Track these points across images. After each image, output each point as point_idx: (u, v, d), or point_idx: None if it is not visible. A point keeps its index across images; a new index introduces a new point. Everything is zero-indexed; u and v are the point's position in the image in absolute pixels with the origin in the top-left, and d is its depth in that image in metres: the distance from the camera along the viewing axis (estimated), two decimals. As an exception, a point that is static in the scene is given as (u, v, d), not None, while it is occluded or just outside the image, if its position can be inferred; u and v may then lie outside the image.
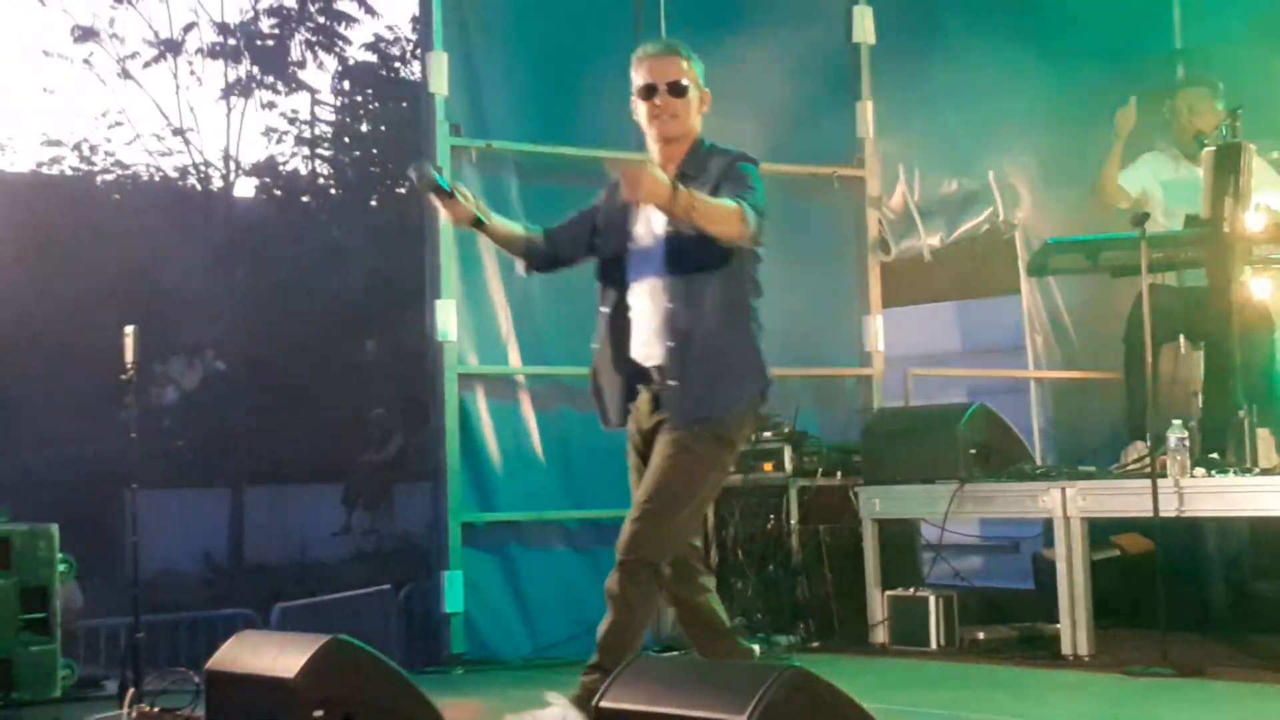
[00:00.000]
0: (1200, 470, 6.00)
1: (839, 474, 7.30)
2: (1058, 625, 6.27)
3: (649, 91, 4.72)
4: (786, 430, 7.36)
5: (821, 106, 8.12)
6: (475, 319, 7.18)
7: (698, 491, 4.66)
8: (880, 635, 6.86)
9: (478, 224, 4.76)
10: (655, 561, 4.59)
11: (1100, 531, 6.85)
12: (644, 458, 4.76)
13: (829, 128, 8.17)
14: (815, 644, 6.99)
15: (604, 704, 3.42)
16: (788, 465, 7.24)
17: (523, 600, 7.19)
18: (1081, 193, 7.71)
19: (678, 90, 4.71)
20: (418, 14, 7.61)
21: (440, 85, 7.08)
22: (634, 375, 4.79)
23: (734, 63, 7.90)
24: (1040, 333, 8.67)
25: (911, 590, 6.84)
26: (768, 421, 7.12)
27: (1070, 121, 8.32)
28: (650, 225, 4.77)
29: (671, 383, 4.64)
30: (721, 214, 4.49)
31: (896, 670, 6.46)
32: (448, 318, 7.03)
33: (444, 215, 4.72)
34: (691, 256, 4.64)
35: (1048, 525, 6.65)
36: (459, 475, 7.04)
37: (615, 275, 4.83)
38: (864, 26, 8.21)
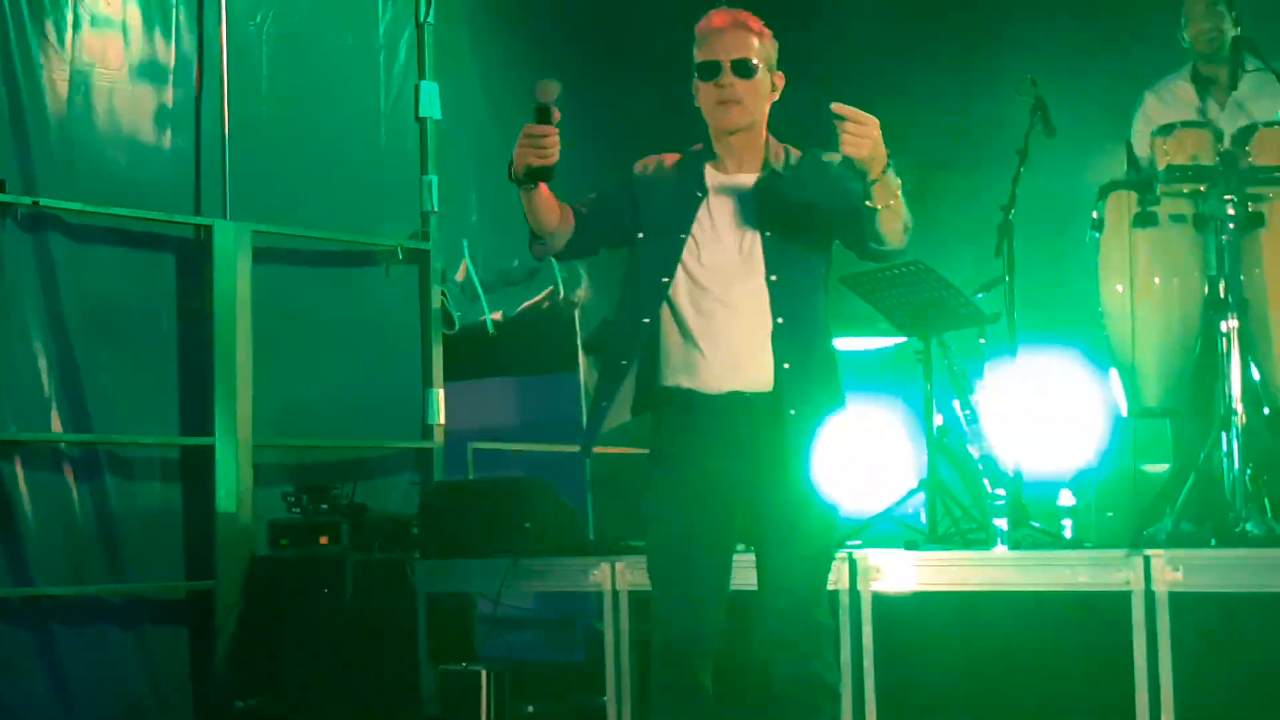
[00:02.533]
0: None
1: (397, 548, 7.26)
2: (604, 698, 6.38)
3: (711, 71, 3.88)
4: (344, 503, 7.28)
5: (388, 179, 8.19)
6: (13, 382, 6.84)
7: None
8: (432, 711, 6.84)
9: (546, 175, 3.73)
10: None
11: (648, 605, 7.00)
12: (722, 487, 4.13)
13: (394, 201, 8.21)
14: (367, 721, 6.92)
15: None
16: (344, 539, 7.16)
17: (60, 679, 6.85)
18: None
19: (744, 69, 3.86)
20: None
21: (-19, 137, 6.77)
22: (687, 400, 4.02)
23: (299, 134, 7.88)
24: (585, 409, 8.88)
25: (464, 665, 6.85)
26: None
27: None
28: (736, 217, 3.94)
29: (791, 412, 3.90)
30: (905, 213, 3.74)
31: (447, 746, 6.46)
32: (-18, 382, 6.70)
33: (526, 147, 3.63)
34: (800, 260, 3.93)
35: (600, 599, 6.78)
36: (-9, 549, 6.69)
37: (661, 278, 3.97)
38: (430, 102, 8.28)
